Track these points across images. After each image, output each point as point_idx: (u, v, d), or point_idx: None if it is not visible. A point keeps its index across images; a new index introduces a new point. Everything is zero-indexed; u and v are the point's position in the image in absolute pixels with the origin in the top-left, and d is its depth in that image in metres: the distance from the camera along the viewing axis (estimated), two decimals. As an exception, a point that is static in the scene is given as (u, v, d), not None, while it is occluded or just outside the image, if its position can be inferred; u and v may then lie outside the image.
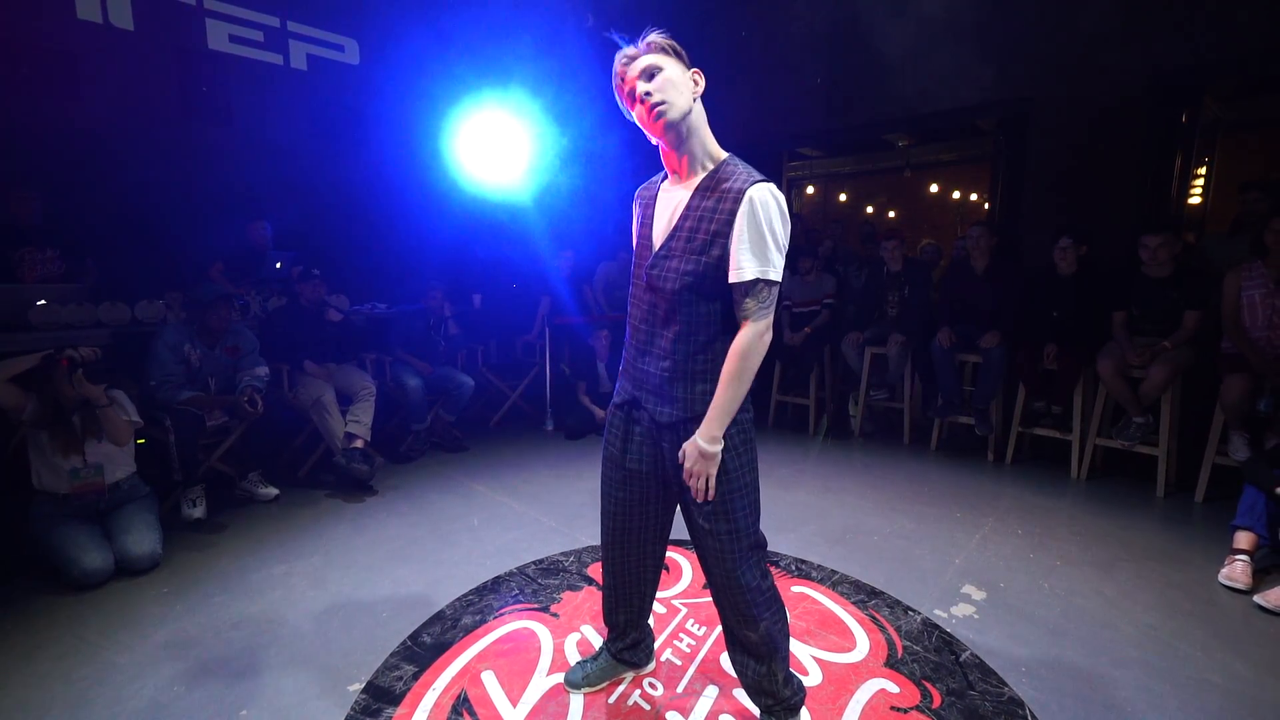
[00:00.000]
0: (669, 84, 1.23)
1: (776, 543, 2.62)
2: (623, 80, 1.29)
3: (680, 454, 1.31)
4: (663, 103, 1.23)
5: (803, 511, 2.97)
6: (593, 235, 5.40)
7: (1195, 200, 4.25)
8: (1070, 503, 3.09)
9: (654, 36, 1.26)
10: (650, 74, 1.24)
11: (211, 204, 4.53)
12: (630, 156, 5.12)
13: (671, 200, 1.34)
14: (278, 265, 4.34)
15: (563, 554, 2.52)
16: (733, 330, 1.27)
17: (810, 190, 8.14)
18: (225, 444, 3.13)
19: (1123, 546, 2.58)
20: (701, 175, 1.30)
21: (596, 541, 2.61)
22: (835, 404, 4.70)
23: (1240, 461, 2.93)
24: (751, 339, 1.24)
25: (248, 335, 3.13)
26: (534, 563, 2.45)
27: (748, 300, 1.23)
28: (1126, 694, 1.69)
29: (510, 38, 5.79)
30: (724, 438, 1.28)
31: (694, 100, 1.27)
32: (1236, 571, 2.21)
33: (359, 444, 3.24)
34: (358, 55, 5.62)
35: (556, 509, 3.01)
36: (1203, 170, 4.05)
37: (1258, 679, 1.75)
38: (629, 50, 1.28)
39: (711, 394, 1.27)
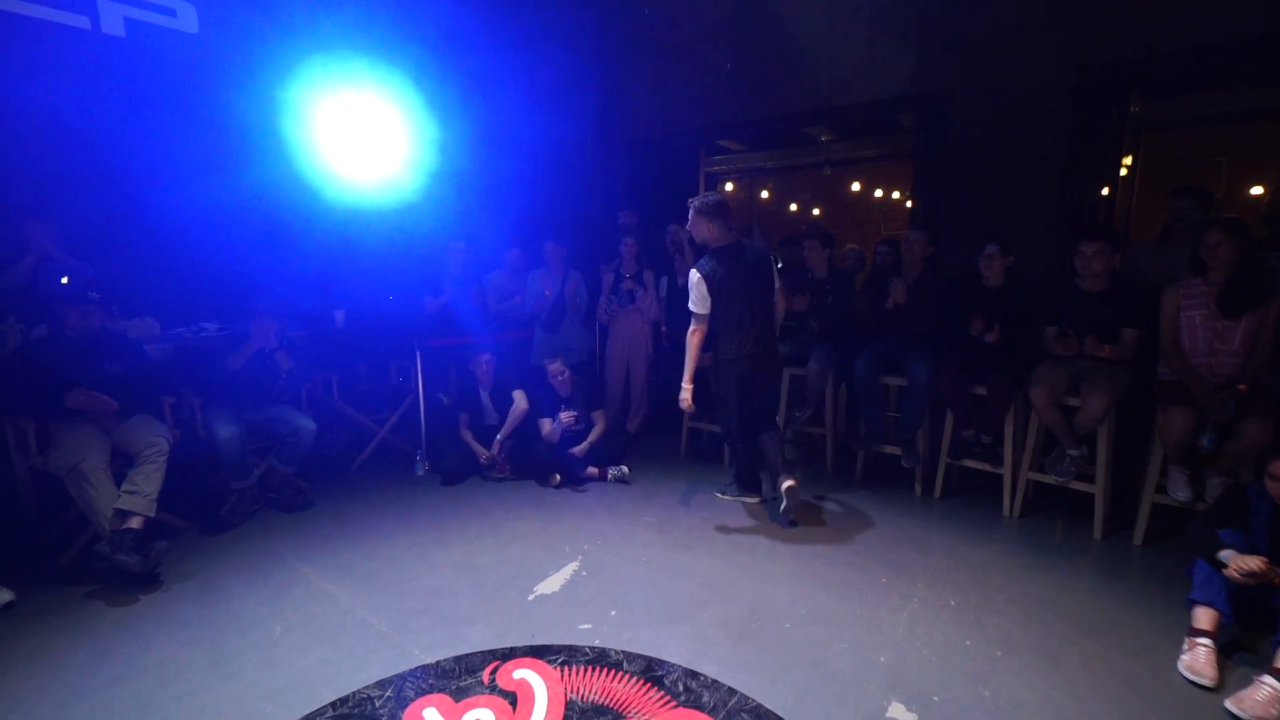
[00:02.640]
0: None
1: (666, 640, 2.09)
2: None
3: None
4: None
5: (702, 587, 2.45)
6: (491, 225, 4.69)
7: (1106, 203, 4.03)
8: (1004, 552, 2.72)
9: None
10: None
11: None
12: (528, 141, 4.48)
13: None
14: (63, 280, 3.43)
15: (378, 685, 1.89)
16: None
17: (730, 186, 7.70)
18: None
19: (1068, 619, 2.20)
20: None
21: (433, 657, 1.99)
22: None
23: (1181, 501, 2.63)
24: None
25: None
26: (332, 705, 1.80)
27: None
28: None
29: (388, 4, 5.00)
30: None
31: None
32: (1200, 661, 1.85)
33: (135, 523, 2.47)
34: (195, 22, 4.66)
35: (395, 601, 2.36)
36: (1123, 172, 3.83)
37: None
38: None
39: None
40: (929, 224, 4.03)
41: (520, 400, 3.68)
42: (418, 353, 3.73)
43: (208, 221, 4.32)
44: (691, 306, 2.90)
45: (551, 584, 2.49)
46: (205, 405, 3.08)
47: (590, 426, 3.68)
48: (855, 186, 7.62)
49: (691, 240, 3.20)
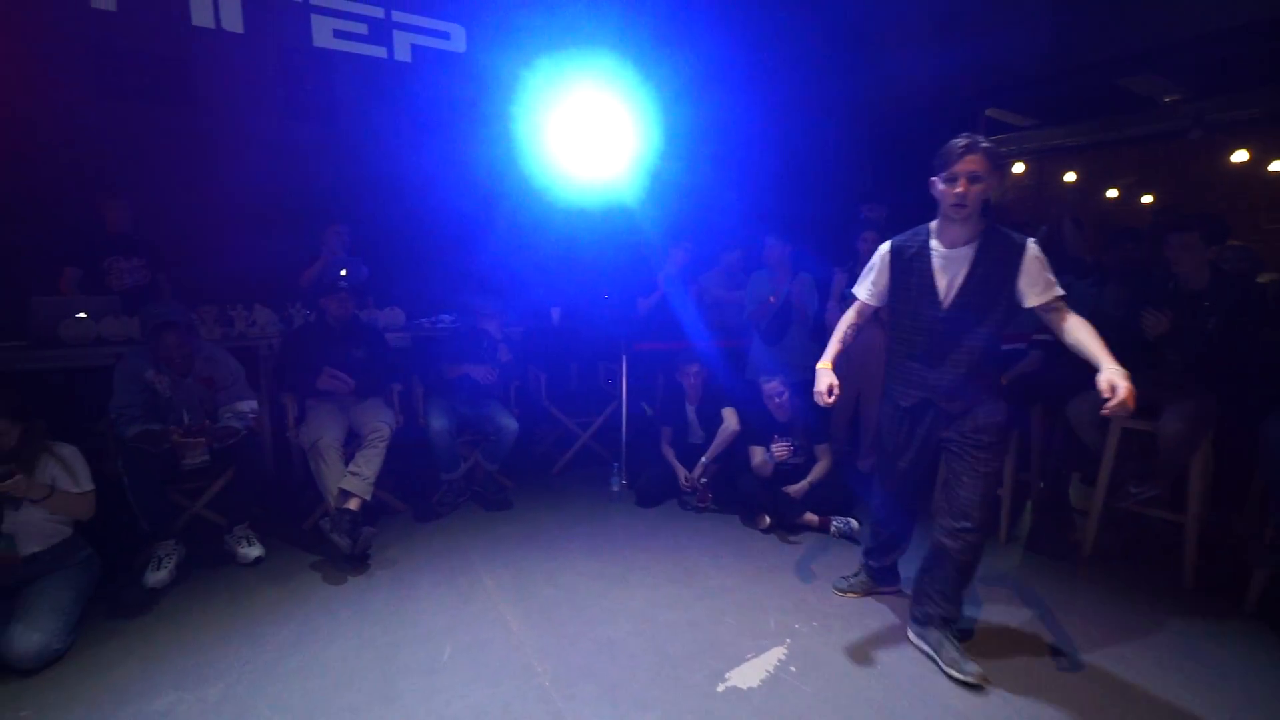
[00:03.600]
0: (979, 194, 1.73)
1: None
2: (951, 160, 1.74)
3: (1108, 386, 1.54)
4: (965, 205, 1.74)
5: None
6: (714, 228, 4.31)
7: None
8: None
9: (986, 144, 1.73)
10: (974, 178, 1.72)
11: (299, 208, 4.29)
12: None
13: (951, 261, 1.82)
14: (342, 273, 3.92)
15: (523, 770, 1.53)
16: None
17: (1021, 168, 6.12)
18: (211, 489, 2.65)
19: None
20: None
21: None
22: (1048, 487, 3.11)
23: None
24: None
25: (226, 364, 2.61)
26: (469, 785, 1.49)
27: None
28: None
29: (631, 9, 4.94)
30: None
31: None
32: None
33: (353, 504, 2.56)
34: (464, 42, 5.14)
35: (564, 649, 2.02)
36: None
37: None
38: (965, 144, 1.73)
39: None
40: None
41: (730, 420, 3.16)
42: (624, 357, 3.46)
43: (459, 220, 4.71)
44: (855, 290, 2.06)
45: (749, 674, 1.91)
46: (426, 394, 3.18)
47: (811, 462, 2.99)
48: (1237, 157, 5.34)
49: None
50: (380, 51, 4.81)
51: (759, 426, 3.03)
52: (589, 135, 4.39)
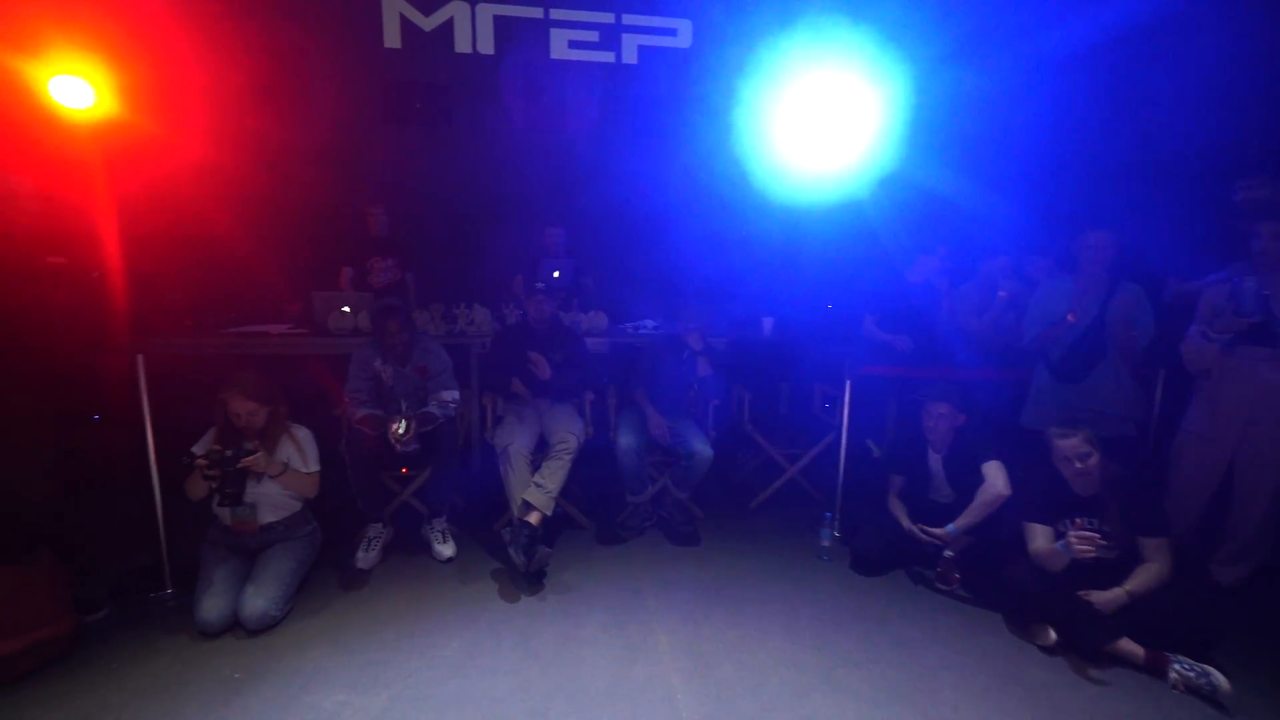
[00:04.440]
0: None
1: None
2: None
3: None
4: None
5: None
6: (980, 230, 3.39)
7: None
8: None
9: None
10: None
11: (523, 212, 4.50)
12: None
13: None
14: (555, 274, 3.96)
15: None
16: None
17: None
18: (419, 478, 2.75)
19: None
20: None
21: None
22: None
23: None
24: None
25: (439, 356, 2.67)
26: None
27: None
28: None
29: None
30: None
31: None
32: None
33: (533, 518, 2.41)
34: (690, 37, 4.93)
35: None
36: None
37: None
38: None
39: None
40: None
41: (997, 480, 2.33)
42: (847, 381, 2.81)
43: (670, 221, 4.50)
44: None
45: None
46: (619, 407, 2.95)
47: (1133, 560, 2.02)
48: None
49: None
50: (609, 56, 4.82)
51: (1044, 496, 2.15)
52: (820, 122, 3.81)
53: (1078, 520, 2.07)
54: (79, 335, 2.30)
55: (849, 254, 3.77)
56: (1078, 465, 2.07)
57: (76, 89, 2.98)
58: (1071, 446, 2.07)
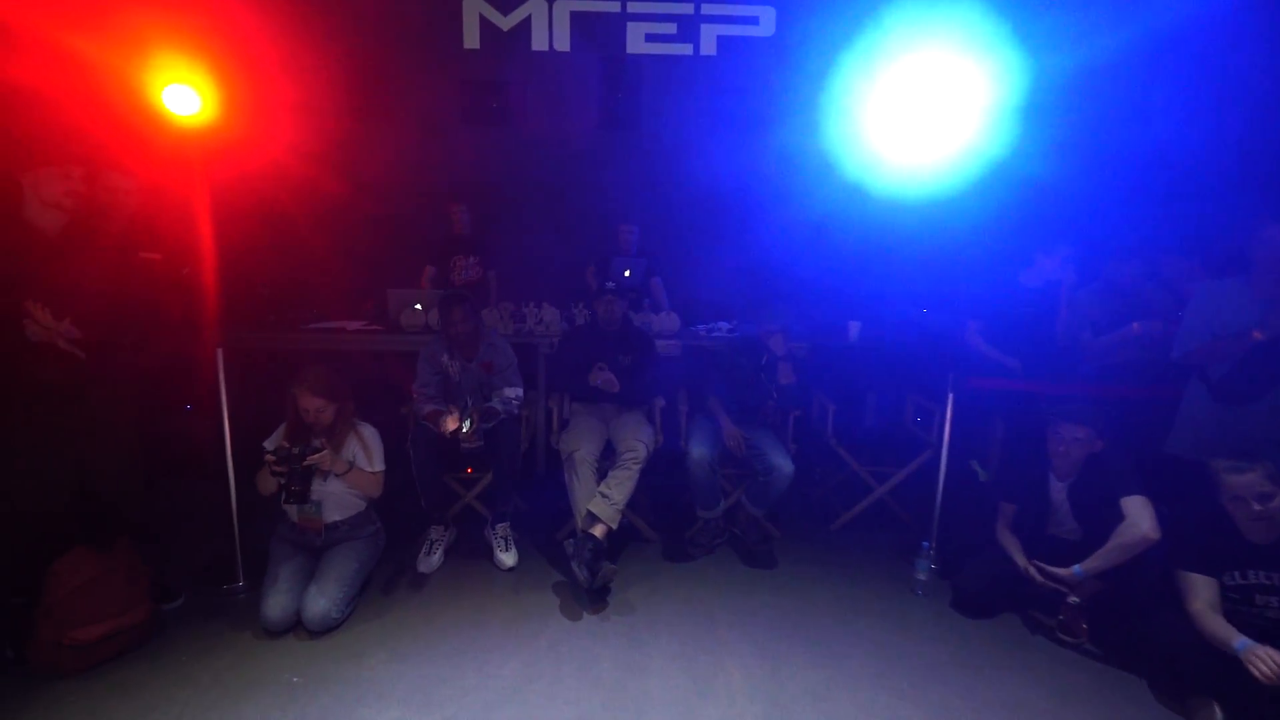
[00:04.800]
0: None
1: None
2: None
3: None
4: None
5: None
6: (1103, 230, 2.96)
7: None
8: None
9: None
10: None
11: (596, 210, 4.40)
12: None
13: None
14: (626, 273, 3.82)
15: None
16: None
17: None
18: (482, 481, 2.67)
19: None
20: None
21: None
22: None
23: None
24: None
25: (505, 352, 2.59)
26: None
27: None
28: None
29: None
30: None
31: None
32: None
33: (598, 531, 2.27)
34: (773, 25, 4.67)
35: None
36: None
37: None
38: None
39: None
40: None
41: (1142, 521, 1.96)
42: (949, 394, 2.49)
43: (749, 218, 4.27)
44: None
45: None
46: (691, 414, 2.76)
47: (1331, 631, 1.63)
48: None
49: None
50: (686, 49, 4.64)
51: (1207, 541, 1.78)
52: (919, 109, 3.48)
53: (1250, 569, 1.69)
54: (169, 328, 2.37)
55: (948, 254, 3.41)
56: (1255, 506, 1.69)
57: (186, 97, 3.17)
58: (1248, 483, 1.69)
